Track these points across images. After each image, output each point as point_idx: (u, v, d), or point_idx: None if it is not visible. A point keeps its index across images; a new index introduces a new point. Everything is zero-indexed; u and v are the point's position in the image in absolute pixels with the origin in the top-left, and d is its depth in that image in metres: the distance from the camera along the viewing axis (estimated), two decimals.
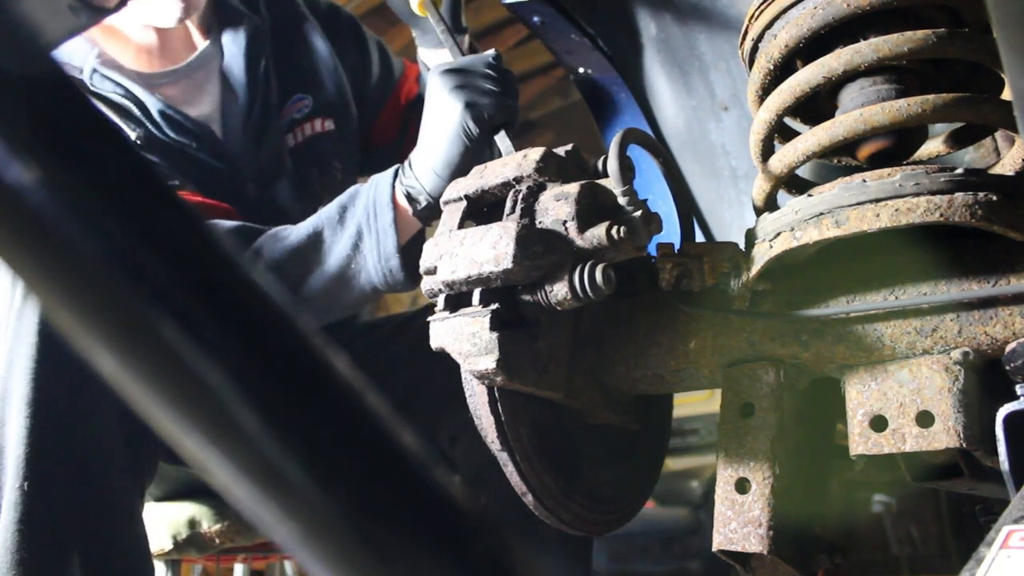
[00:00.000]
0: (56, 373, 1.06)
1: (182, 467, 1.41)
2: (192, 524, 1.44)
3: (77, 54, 1.37)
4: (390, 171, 1.26)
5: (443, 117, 1.15)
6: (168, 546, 1.43)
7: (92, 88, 1.35)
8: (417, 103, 1.66)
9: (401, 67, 1.73)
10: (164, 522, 1.44)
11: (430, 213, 1.20)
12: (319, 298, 1.26)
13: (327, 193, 1.48)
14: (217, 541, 1.46)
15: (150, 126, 1.37)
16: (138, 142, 1.35)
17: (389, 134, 1.70)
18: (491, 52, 1.21)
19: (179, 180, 1.37)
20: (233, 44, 1.50)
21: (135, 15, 1.40)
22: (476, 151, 1.17)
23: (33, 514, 1.03)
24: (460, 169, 1.11)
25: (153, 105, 1.37)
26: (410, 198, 1.20)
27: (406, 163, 1.23)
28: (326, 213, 1.28)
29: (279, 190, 1.50)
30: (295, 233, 1.28)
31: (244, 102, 1.49)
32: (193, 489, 1.47)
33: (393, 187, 1.23)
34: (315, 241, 1.26)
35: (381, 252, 1.21)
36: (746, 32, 0.89)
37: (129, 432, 1.13)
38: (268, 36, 1.55)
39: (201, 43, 1.51)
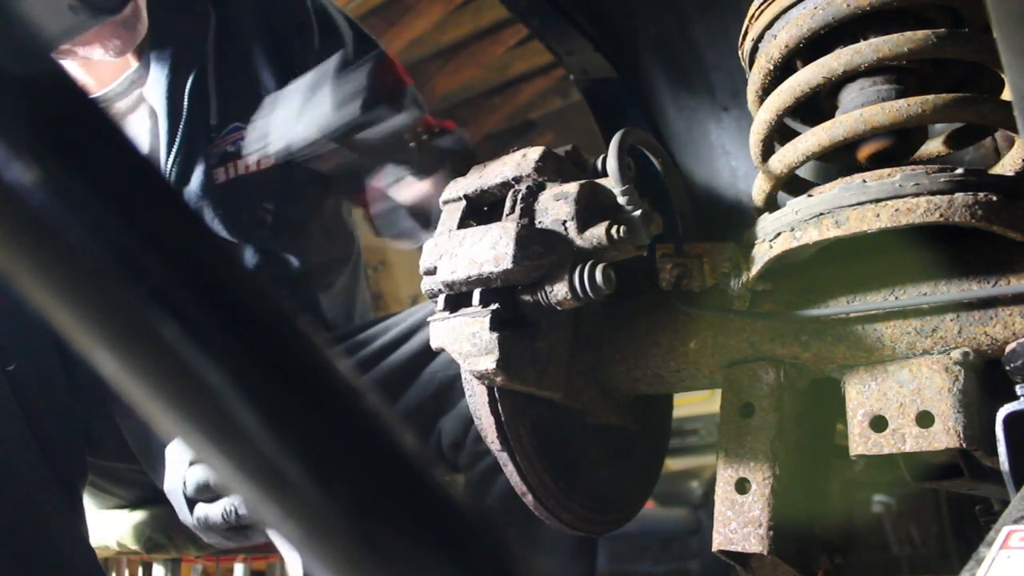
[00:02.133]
0: None
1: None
2: None
3: None
4: None
5: None
6: (166, 543, 1.43)
7: None
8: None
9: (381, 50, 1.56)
10: (162, 520, 1.44)
11: None
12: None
13: (258, 231, 1.40)
14: None
15: None
16: None
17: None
18: None
19: None
20: (158, 65, 1.35)
21: (69, 53, 1.28)
22: None
23: None
24: None
25: None
26: None
27: None
28: None
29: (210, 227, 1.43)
30: None
31: (164, 133, 1.34)
32: None
33: None
34: None
35: None
36: (746, 32, 0.89)
37: (46, 438, 1.08)
38: (206, 54, 1.38)
39: (133, 64, 1.38)
